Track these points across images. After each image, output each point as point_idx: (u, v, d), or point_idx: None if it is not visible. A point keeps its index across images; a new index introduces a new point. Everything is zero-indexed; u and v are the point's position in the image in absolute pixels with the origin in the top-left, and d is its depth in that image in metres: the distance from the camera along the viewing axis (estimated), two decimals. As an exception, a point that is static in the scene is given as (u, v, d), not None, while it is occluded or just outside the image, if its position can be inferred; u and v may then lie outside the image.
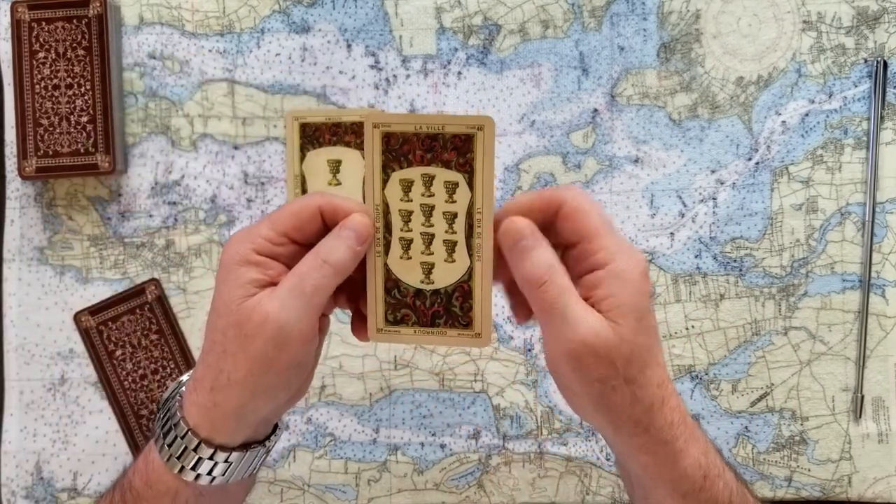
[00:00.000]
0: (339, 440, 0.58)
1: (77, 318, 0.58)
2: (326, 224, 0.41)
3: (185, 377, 0.43)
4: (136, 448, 0.58)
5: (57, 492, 0.58)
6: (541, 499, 0.57)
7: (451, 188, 0.41)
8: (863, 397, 0.56)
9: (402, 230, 0.42)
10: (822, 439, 0.57)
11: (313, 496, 0.58)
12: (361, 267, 0.42)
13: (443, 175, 0.41)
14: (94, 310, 0.58)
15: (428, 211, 0.42)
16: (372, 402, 0.58)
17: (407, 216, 0.42)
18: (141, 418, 0.58)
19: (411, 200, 0.42)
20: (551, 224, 0.40)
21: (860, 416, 0.56)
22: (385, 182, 0.41)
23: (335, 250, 0.40)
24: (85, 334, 0.58)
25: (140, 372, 0.58)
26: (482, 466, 0.57)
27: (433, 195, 0.41)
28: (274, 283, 0.40)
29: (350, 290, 0.44)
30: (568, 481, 0.57)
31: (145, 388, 0.58)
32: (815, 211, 0.57)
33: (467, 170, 0.41)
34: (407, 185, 0.41)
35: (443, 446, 0.58)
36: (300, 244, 0.41)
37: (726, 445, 0.57)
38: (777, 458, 0.57)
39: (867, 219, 0.56)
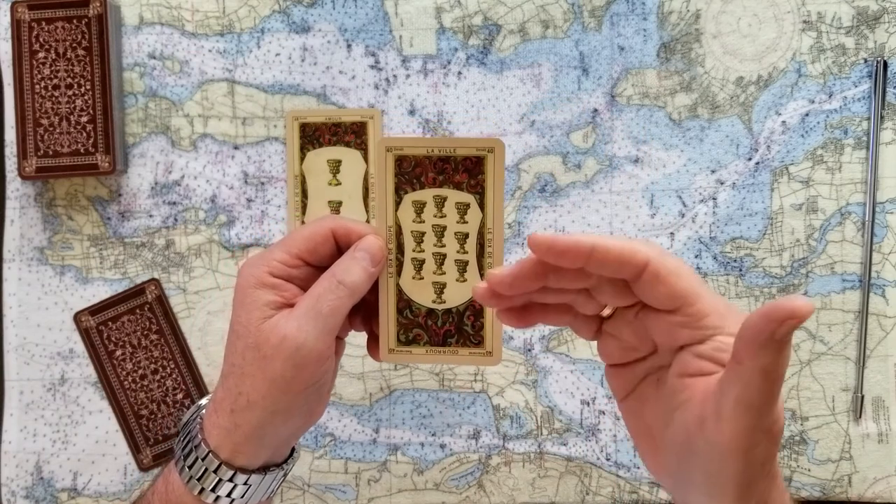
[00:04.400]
0: (339, 440, 0.58)
1: (77, 318, 0.58)
2: (339, 246, 0.42)
3: (203, 401, 0.44)
4: (136, 448, 0.58)
5: (57, 492, 0.58)
6: (541, 499, 0.57)
7: (463, 209, 0.42)
8: (863, 397, 0.56)
9: (414, 251, 0.43)
10: (822, 439, 0.57)
11: (313, 496, 0.58)
12: (375, 289, 0.43)
13: (454, 196, 0.42)
14: (94, 310, 0.58)
15: (440, 232, 0.42)
16: (372, 402, 0.58)
17: (419, 237, 0.43)
18: (141, 418, 0.58)
19: (423, 222, 0.42)
20: (624, 284, 0.35)
21: (860, 416, 0.56)
22: (398, 204, 0.42)
23: (350, 272, 0.41)
24: (85, 334, 0.58)
25: (140, 372, 0.58)
26: (482, 466, 0.57)
27: (445, 216, 0.42)
28: (289, 305, 0.41)
29: (365, 312, 0.45)
30: (568, 481, 0.57)
31: (145, 388, 0.58)
32: (815, 211, 0.57)
33: (478, 191, 0.42)
34: (419, 207, 0.42)
35: (443, 446, 0.58)
36: (314, 266, 0.42)
37: (726, 445, 0.57)
38: (777, 458, 0.57)
39: (867, 219, 0.56)
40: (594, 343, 0.57)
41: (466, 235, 0.42)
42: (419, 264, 0.43)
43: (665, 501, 0.57)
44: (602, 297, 0.37)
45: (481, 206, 0.42)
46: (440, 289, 0.43)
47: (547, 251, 0.34)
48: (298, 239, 0.41)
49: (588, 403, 0.57)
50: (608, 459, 0.57)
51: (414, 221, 0.42)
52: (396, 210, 0.42)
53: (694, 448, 0.33)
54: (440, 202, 0.42)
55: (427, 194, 0.42)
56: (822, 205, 0.57)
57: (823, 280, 0.57)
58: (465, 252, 0.43)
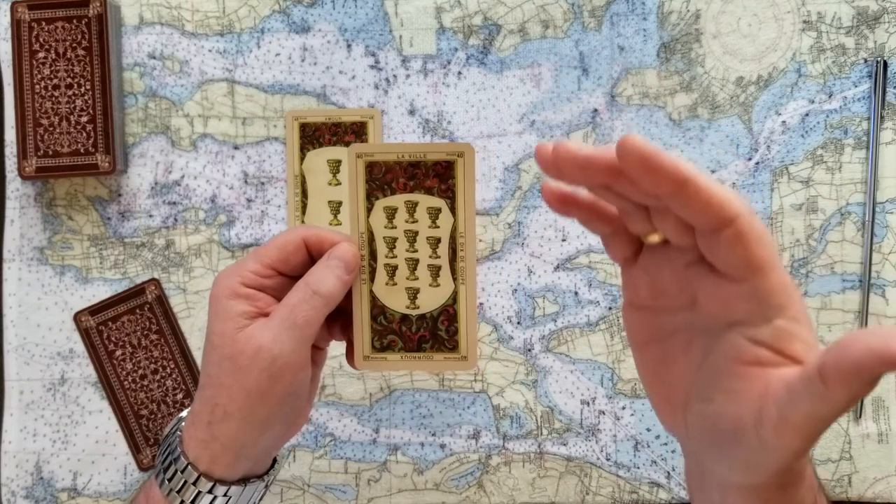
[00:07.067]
0: (339, 440, 0.58)
1: (77, 318, 0.58)
2: (312, 255, 0.42)
3: (184, 413, 0.44)
4: (136, 448, 0.58)
5: (57, 492, 0.58)
6: (541, 499, 0.57)
7: (434, 214, 0.43)
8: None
9: (386, 257, 0.43)
10: (822, 439, 0.57)
11: (313, 496, 0.58)
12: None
13: (426, 201, 0.42)
14: (94, 310, 0.58)
15: (412, 237, 0.43)
16: (372, 402, 0.58)
17: (392, 243, 0.43)
18: (141, 418, 0.58)
19: (395, 227, 0.43)
20: (700, 235, 0.31)
21: (860, 416, 0.56)
22: (369, 210, 0.43)
23: (324, 280, 0.41)
24: (85, 334, 0.58)
25: (140, 372, 0.58)
26: (482, 466, 0.57)
27: (417, 221, 0.43)
28: (264, 314, 0.41)
29: (343, 321, 0.45)
30: (568, 481, 0.57)
31: (145, 388, 0.58)
32: (815, 211, 0.57)
33: (449, 195, 0.42)
34: (391, 213, 0.43)
35: (443, 446, 0.58)
36: (287, 276, 0.42)
37: (726, 445, 0.57)
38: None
39: (867, 219, 0.56)
40: (594, 343, 0.57)
41: (439, 240, 0.43)
42: (392, 270, 0.43)
43: (665, 501, 0.57)
44: (661, 224, 0.32)
45: (452, 210, 0.42)
46: (414, 294, 0.43)
47: (637, 164, 0.28)
48: (270, 249, 0.41)
49: (588, 403, 0.57)
50: (608, 459, 0.57)
51: (386, 227, 0.43)
52: (368, 216, 0.43)
53: (740, 437, 0.30)
54: (412, 207, 0.43)
55: (398, 200, 0.43)
56: (822, 205, 0.57)
57: (823, 280, 0.57)
58: (438, 257, 0.43)
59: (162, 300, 0.58)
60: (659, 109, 0.58)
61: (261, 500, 0.44)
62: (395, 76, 0.58)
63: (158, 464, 0.42)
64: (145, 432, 0.58)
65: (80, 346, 0.58)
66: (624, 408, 0.57)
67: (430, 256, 0.43)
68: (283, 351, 0.39)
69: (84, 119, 0.56)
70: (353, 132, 0.58)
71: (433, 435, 0.58)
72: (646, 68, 0.58)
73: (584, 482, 0.57)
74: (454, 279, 0.43)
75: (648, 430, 0.57)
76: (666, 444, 0.57)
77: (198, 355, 0.58)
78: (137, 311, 0.58)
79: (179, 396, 0.58)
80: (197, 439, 0.41)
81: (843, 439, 0.56)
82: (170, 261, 0.58)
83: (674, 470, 0.57)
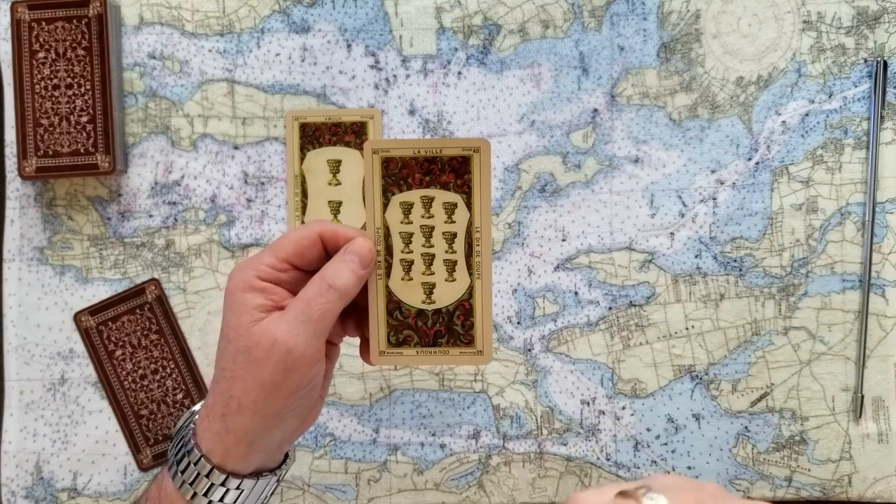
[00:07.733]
0: (339, 440, 0.58)
1: (77, 318, 0.58)
2: (327, 250, 0.42)
3: (197, 406, 0.44)
4: (136, 448, 0.58)
5: (57, 492, 0.58)
6: (541, 499, 0.57)
7: (450, 209, 0.43)
8: (863, 397, 0.56)
9: (402, 252, 0.43)
10: (822, 439, 0.57)
11: (313, 496, 0.58)
12: (367, 293, 0.43)
13: (442, 196, 0.43)
14: (94, 310, 0.58)
15: (428, 232, 0.43)
16: (372, 402, 0.58)
17: (407, 238, 0.43)
18: (141, 418, 0.58)
19: (411, 222, 0.43)
20: None
21: (860, 416, 0.56)
22: (385, 206, 0.43)
23: (340, 275, 0.41)
24: (85, 334, 0.58)
25: (140, 372, 0.58)
26: (482, 466, 0.57)
27: (433, 216, 0.43)
28: (279, 308, 0.41)
29: (357, 317, 0.45)
30: (568, 481, 0.57)
31: (145, 388, 0.58)
32: (815, 211, 0.57)
33: (465, 190, 0.43)
34: (407, 208, 0.43)
35: (443, 446, 0.58)
36: (302, 270, 0.42)
37: (726, 445, 0.57)
38: (777, 458, 0.57)
39: (867, 219, 0.56)
40: (594, 343, 0.57)
41: (455, 235, 0.43)
42: (408, 265, 0.43)
43: (665, 501, 0.57)
44: None
45: (468, 205, 0.43)
46: (429, 289, 0.43)
47: None
48: (286, 243, 0.42)
49: (588, 403, 0.57)
50: (608, 459, 0.57)
51: (402, 223, 0.43)
52: (384, 212, 0.43)
53: None
54: (427, 203, 0.43)
55: (414, 195, 0.43)
56: (822, 205, 0.57)
57: (823, 280, 0.57)
58: (454, 252, 0.43)
59: (162, 300, 0.58)
60: (659, 109, 0.58)
61: (272, 494, 0.45)
62: (395, 76, 0.58)
63: (171, 456, 0.42)
64: (145, 432, 0.58)
65: (80, 346, 0.58)
66: (624, 408, 0.57)
67: (446, 251, 0.43)
68: (299, 344, 0.39)
69: (84, 119, 0.56)
70: (353, 132, 0.58)
71: (433, 435, 0.58)
72: (646, 68, 0.58)
73: (584, 482, 0.57)
74: (470, 274, 0.43)
75: (648, 430, 0.57)
76: (666, 444, 0.57)
77: (198, 355, 0.58)
78: (137, 311, 0.58)
79: (179, 396, 0.58)
80: (211, 432, 0.41)
81: (843, 439, 0.57)
82: (170, 261, 0.58)
83: (674, 470, 0.57)
